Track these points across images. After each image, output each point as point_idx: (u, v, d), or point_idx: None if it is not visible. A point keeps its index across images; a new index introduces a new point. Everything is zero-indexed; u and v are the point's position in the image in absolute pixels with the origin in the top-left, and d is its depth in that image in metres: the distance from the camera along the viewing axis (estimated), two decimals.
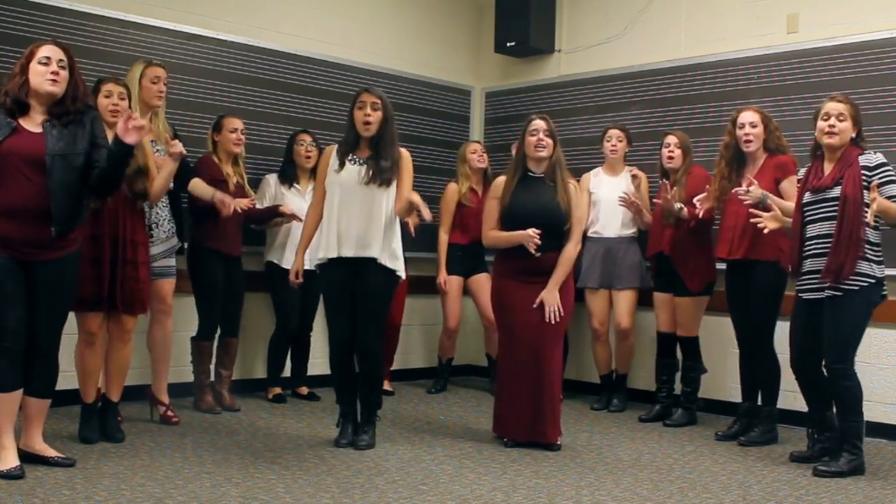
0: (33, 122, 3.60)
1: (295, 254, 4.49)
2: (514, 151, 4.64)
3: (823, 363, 4.14)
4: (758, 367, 4.77)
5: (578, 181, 4.86)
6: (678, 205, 4.96)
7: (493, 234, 4.56)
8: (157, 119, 4.76)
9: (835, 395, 4.14)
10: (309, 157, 5.47)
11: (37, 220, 3.53)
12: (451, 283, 6.07)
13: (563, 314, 4.42)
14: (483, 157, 6.08)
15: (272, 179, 5.49)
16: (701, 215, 4.86)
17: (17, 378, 3.62)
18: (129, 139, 3.60)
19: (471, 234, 5.95)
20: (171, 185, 4.67)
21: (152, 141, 4.69)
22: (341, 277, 4.27)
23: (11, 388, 3.60)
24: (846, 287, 4.02)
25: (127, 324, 4.21)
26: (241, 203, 4.94)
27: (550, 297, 4.39)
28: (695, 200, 4.82)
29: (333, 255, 4.25)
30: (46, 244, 3.58)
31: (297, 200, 5.43)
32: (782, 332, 4.75)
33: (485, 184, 6.03)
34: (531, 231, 4.33)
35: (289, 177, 5.48)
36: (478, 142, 6.32)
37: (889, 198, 3.95)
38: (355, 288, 4.27)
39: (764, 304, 4.67)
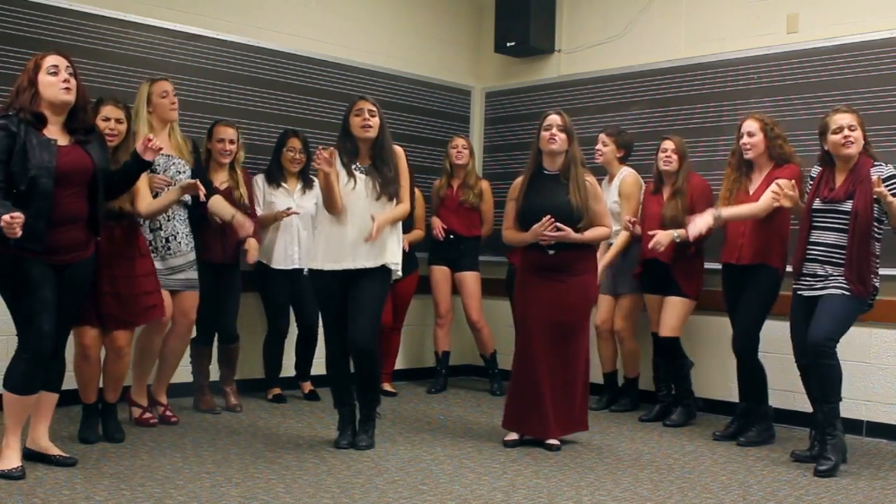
0: (54, 135, 3.64)
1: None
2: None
3: (810, 340, 4.14)
4: (745, 369, 4.77)
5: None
6: (675, 233, 4.93)
7: (509, 234, 4.57)
8: (174, 133, 4.76)
9: (818, 375, 4.15)
10: (297, 163, 5.47)
11: (76, 225, 3.68)
12: (434, 273, 6.17)
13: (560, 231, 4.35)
14: (462, 153, 6.05)
15: (260, 180, 5.48)
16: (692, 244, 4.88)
17: (40, 382, 3.66)
18: (148, 157, 3.91)
19: (445, 227, 6.11)
20: (189, 199, 4.67)
21: (169, 155, 4.70)
22: (337, 286, 4.29)
23: (33, 391, 3.64)
24: (842, 289, 4.10)
25: (119, 340, 4.19)
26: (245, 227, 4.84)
27: (565, 232, 4.33)
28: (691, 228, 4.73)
29: (345, 266, 4.25)
30: (83, 247, 3.71)
31: (285, 200, 5.42)
32: (773, 332, 4.77)
33: (466, 182, 6.05)
34: (537, 227, 4.32)
35: (276, 178, 5.47)
36: (462, 136, 6.27)
37: None
38: (350, 292, 4.29)
39: (755, 307, 4.68)
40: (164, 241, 4.66)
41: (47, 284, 3.59)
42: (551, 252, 4.38)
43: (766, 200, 4.45)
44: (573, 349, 4.45)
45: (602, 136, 5.58)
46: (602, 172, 5.67)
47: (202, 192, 4.34)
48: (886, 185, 4.02)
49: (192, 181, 4.39)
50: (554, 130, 4.40)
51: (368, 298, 4.27)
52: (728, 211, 4.57)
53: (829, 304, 4.13)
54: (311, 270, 4.37)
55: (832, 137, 4.14)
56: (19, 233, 3.33)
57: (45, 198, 3.49)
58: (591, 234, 4.45)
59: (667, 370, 5.29)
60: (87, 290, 3.85)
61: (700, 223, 4.51)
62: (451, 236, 6.11)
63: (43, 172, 3.51)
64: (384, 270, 4.31)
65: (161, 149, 4.02)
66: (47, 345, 3.60)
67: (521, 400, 4.47)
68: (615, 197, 5.48)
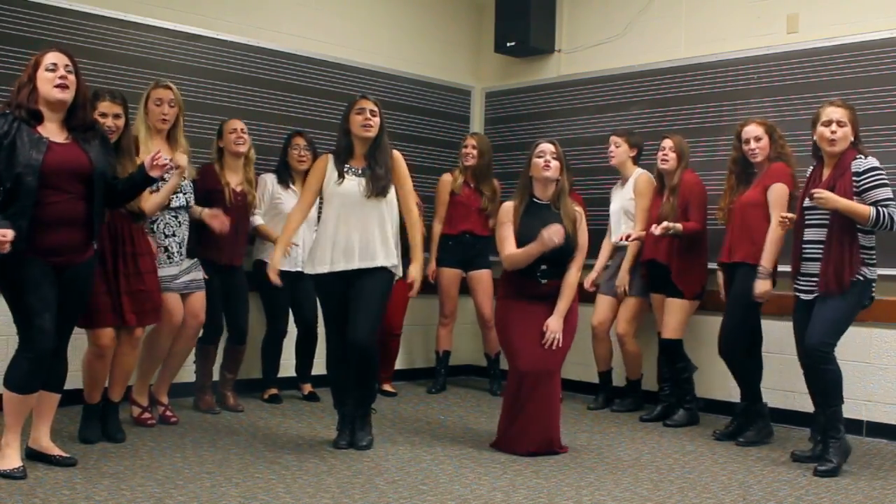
0: (51, 132, 3.62)
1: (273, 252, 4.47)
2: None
3: (806, 345, 4.14)
4: (734, 366, 4.78)
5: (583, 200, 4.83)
6: (672, 226, 4.99)
7: (511, 256, 4.39)
8: (177, 143, 4.64)
9: (817, 379, 4.16)
10: (302, 161, 5.45)
11: (74, 227, 3.65)
12: (444, 275, 6.12)
13: (561, 344, 4.37)
14: (471, 153, 6.00)
15: (269, 179, 5.48)
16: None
17: (41, 381, 3.66)
18: (154, 173, 3.83)
19: (456, 224, 6.06)
20: (183, 202, 4.65)
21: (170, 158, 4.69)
22: (339, 288, 4.29)
23: (33, 390, 3.64)
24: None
25: (136, 332, 4.27)
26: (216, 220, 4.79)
27: (555, 325, 4.35)
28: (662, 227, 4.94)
29: (339, 268, 4.24)
30: (81, 249, 3.69)
31: (293, 201, 5.41)
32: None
33: (476, 179, 6.05)
34: (546, 234, 4.21)
35: (284, 178, 5.48)
36: (475, 136, 6.21)
37: (874, 202, 4.00)
38: (350, 292, 4.28)
39: (737, 305, 4.68)
40: (178, 245, 4.66)
41: (47, 283, 3.58)
42: (543, 281, 4.37)
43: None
44: (556, 367, 4.41)
45: (613, 138, 5.59)
46: (613, 174, 5.70)
47: (179, 166, 4.25)
48: (864, 178, 4.03)
49: (181, 166, 4.33)
50: (548, 157, 4.39)
51: (368, 297, 4.26)
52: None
53: (822, 307, 4.11)
54: (314, 275, 4.36)
55: (820, 129, 4.15)
56: (7, 248, 3.37)
57: (28, 196, 3.46)
58: (568, 298, 4.40)
59: (670, 373, 5.28)
60: (89, 292, 3.83)
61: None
62: (467, 236, 6.09)
63: (28, 170, 3.48)
64: (384, 270, 4.30)
65: (168, 167, 3.87)
66: (48, 343, 3.59)
67: (516, 427, 4.38)
68: (629, 195, 5.50)
